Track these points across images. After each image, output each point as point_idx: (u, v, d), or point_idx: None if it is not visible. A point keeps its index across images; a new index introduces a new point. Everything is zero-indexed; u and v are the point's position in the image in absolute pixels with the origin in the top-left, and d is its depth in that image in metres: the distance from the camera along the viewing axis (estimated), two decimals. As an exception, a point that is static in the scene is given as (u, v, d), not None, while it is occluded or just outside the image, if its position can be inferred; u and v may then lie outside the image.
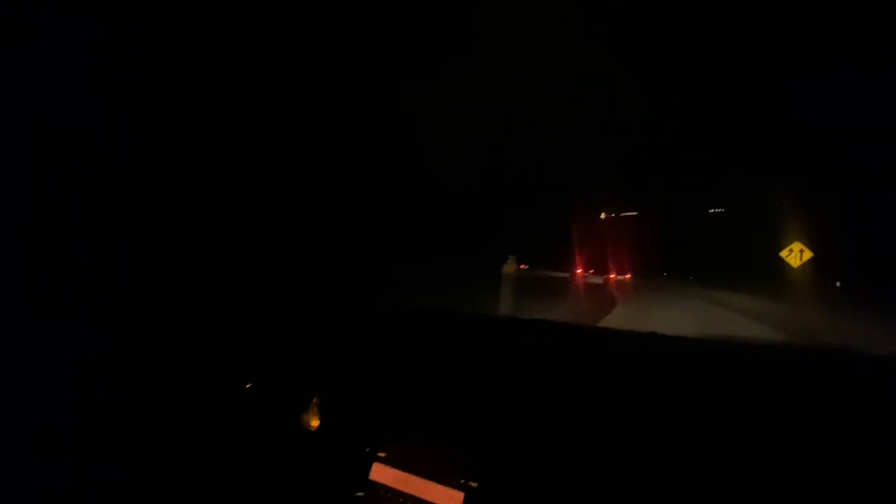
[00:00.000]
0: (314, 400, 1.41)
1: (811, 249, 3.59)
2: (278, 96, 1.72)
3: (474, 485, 1.10)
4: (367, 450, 1.25)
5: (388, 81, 1.97)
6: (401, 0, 1.87)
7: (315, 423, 1.41)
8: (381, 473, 1.23)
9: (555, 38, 2.15)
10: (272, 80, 1.69)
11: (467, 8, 2.00)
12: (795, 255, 3.59)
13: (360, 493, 1.24)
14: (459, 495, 1.11)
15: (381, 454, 1.24)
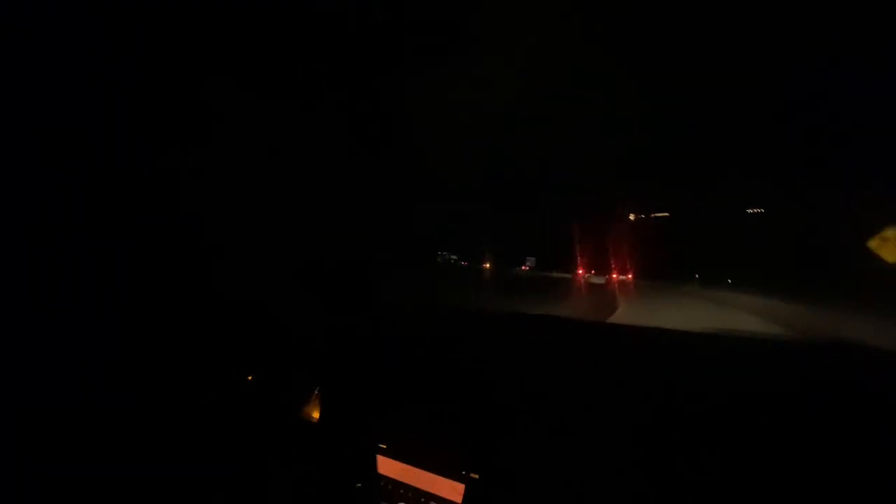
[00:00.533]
0: (316, 393, 1.41)
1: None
2: (278, 96, 1.72)
3: (476, 476, 1.10)
4: (370, 442, 1.26)
5: (388, 81, 1.97)
6: (401, 0, 1.87)
7: (316, 414, 1.42)
8: (384, 465, 1.24)
9: (561, 37, 2.14)
10: (272, 80, 1.69)
11: (467, 8, 2.00)
12: (893, 244, 2.60)
13: (359, 484, 1.24)
14: (460, 487, 1.11)
15: (383, 446, 1.24)
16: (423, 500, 1.16)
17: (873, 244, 2.70)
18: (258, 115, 1.70)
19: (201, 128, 1.59)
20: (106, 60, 1.34)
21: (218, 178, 1.66)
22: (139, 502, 1.32)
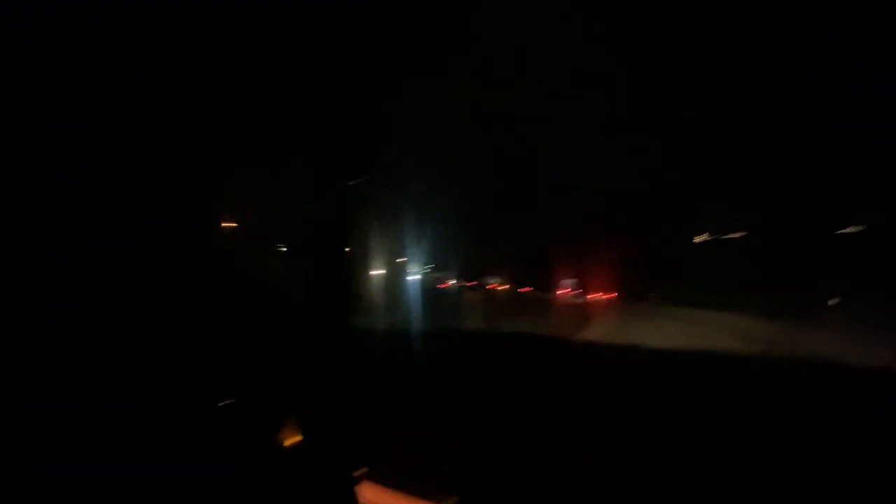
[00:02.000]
0: (300, 413, 1.41)
1: None
2: (279, 96, 1.72)
3: (455, 499, 1.11)
4: (351, 467, 1.26)
5: (388, 81, 1.96)
6: (401, 0, 1.87)
7: (297, 437, 1.42)
8: (366, 492, 1.24)
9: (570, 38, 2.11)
10: (273, 80, 1.69)
11: (467, 8, 1.99)
12: None
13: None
14: None
15: (364, 471, 1.24)
16: None
17: None
18: (258, 115, 1.70)
19: (201, 128, 1.59)
20: (106, 60, 1.34)
21: (218, 179, 1.66)
22: (139, 502, 1.32)
